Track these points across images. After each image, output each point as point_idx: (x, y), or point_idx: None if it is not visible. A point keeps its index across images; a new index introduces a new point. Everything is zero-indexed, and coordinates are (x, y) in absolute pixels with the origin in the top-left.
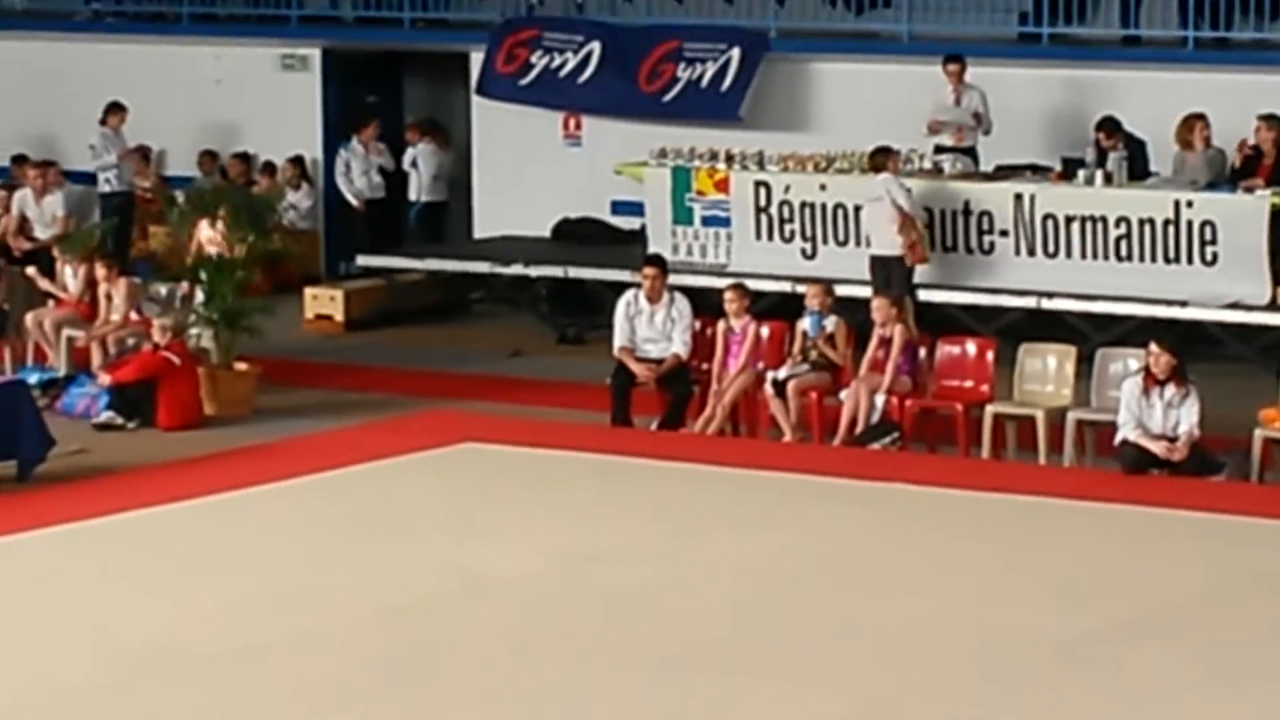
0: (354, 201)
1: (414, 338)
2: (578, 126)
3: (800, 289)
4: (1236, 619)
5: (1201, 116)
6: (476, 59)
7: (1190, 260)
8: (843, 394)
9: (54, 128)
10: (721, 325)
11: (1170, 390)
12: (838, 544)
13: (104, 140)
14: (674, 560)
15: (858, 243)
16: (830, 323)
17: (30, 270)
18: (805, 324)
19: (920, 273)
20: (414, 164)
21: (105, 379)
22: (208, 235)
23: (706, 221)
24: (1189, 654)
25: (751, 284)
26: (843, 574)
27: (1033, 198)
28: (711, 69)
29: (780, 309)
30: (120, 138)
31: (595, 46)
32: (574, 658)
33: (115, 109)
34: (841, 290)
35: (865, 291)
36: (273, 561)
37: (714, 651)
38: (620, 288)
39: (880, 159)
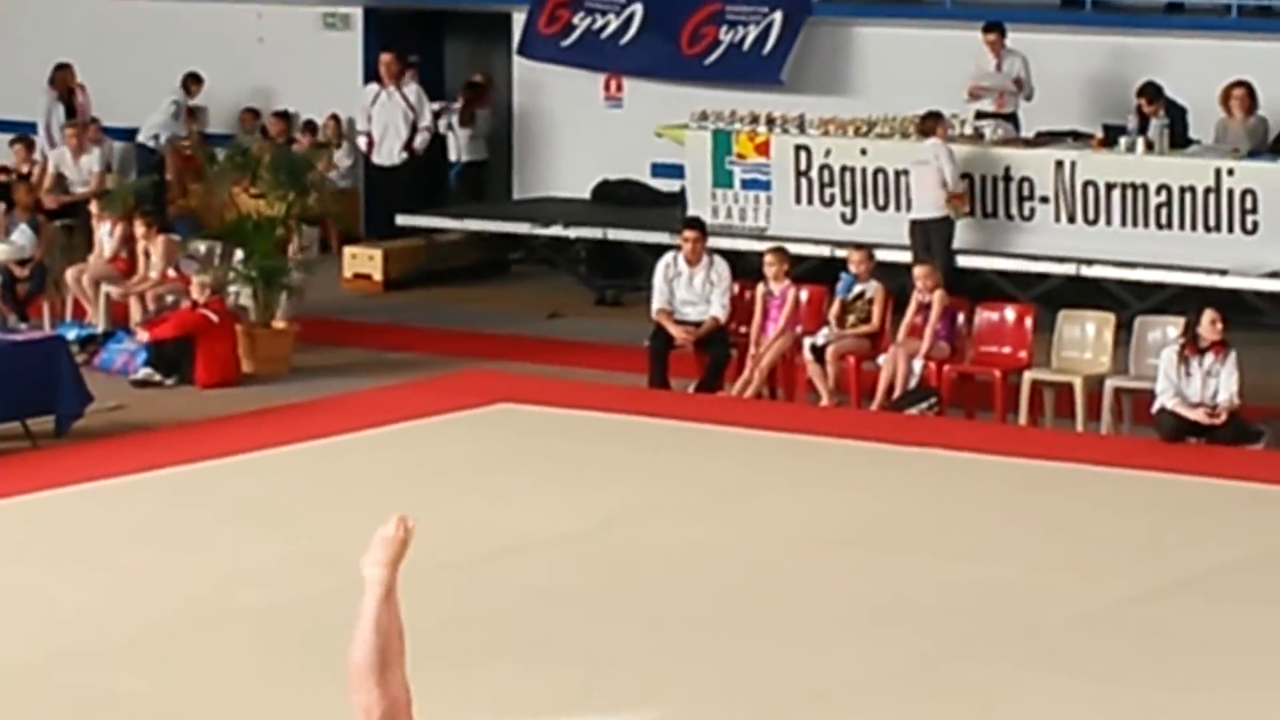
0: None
1: (452, 297)
2: (619, 88)
3: (840, 253)
4: (1273, 586)
5: (1244, 84)
6: (519, 19)
7: (1231, 229)
8: (881, 359)
9: (94, 83)
10: (760, 289)
11: (1209, 358)
12: (873, 508)
13: (179, 109)
14: (710, 523)
15: (898, 207)
16: (870, 288)
17: None
18: (838, 286)
19: (960, 238)
20: (450, 126)
21: (143, 335)
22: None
23: (746, 185)
24: (1224, 620)
25: (791, 248)
26: (878, 538)
27: (1073, 164)
28: (754, 32)
29: (819, 273)
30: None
31: (637, 8)
32: (610, 618)
33: (197, 79)
34: (881, 255)
35: (905, 256)
36: (308, 520)
37: (750, 613)
38: (659, 250)
39: (930, 124)
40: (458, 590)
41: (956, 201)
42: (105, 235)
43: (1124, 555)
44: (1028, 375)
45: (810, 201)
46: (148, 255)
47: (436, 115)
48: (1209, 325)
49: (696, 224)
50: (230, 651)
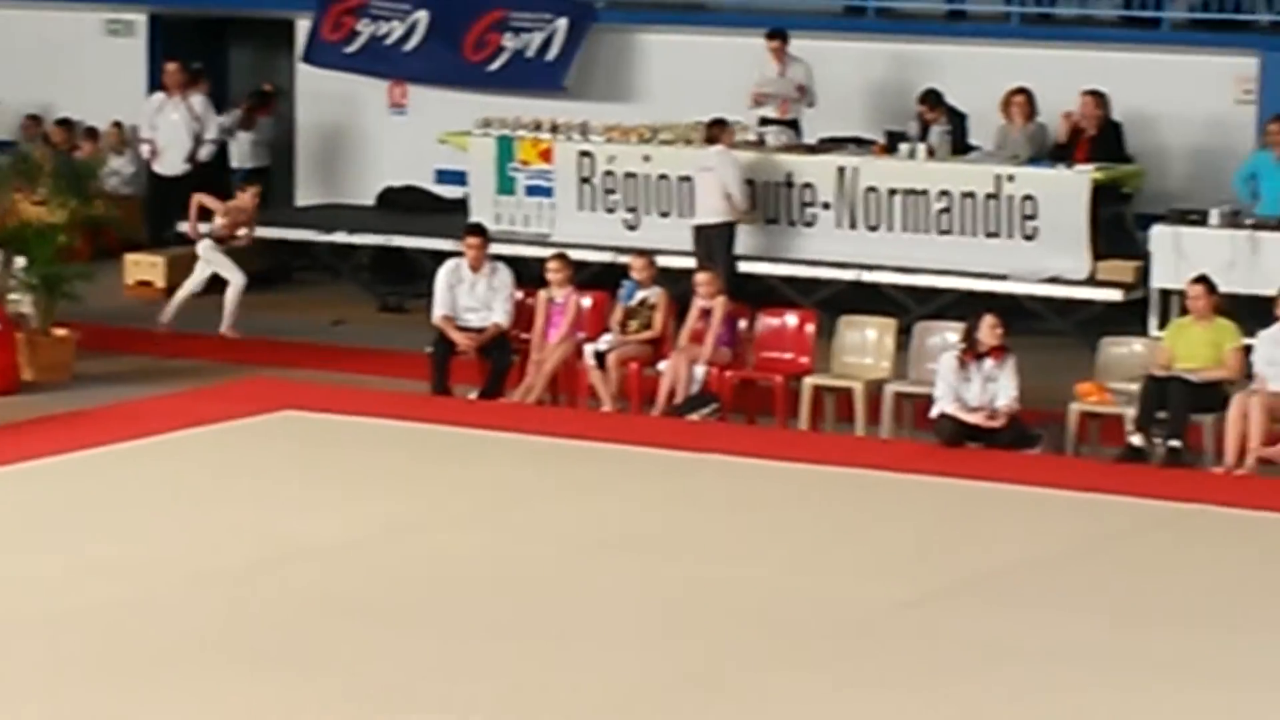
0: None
1: None
2: (403, 95)
3: (623, 259)
4: (1050, 589)
5: (1024, 91)
6: (303, 26)
7: (1010, 235)
8: (662, 365)
9: None
10: (543, 295)
11: (989, 363)
12: (657, 514)
13: None
14: (494, 529)
15: (680, 214)
16: (652, 294)
17: None
18: (621, 293)
19: (742, 244)
20: (231, 133)
21: None
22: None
23: (530, 191)
24: (1003, 624)
25: (574, 254)
26: (661, 544)
27: (855, 170)
28: (538, 39)
29: (602, 279)
30: None
31: (422, 15)
32: (395, 624)
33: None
34: (664, 261)
35: (688, 262)
36: (92, 528)
37: (534, 620)
38: (443, 257)
39: (715, 131)
40: (237, 597)
41: (745, 216)
42: None
43: (904, 559)
44: (809, 381)
45: (594, 208)
46: None
47: (226, 130)
48: (988, 330)
49: (479, 230)
50: (14, 660)
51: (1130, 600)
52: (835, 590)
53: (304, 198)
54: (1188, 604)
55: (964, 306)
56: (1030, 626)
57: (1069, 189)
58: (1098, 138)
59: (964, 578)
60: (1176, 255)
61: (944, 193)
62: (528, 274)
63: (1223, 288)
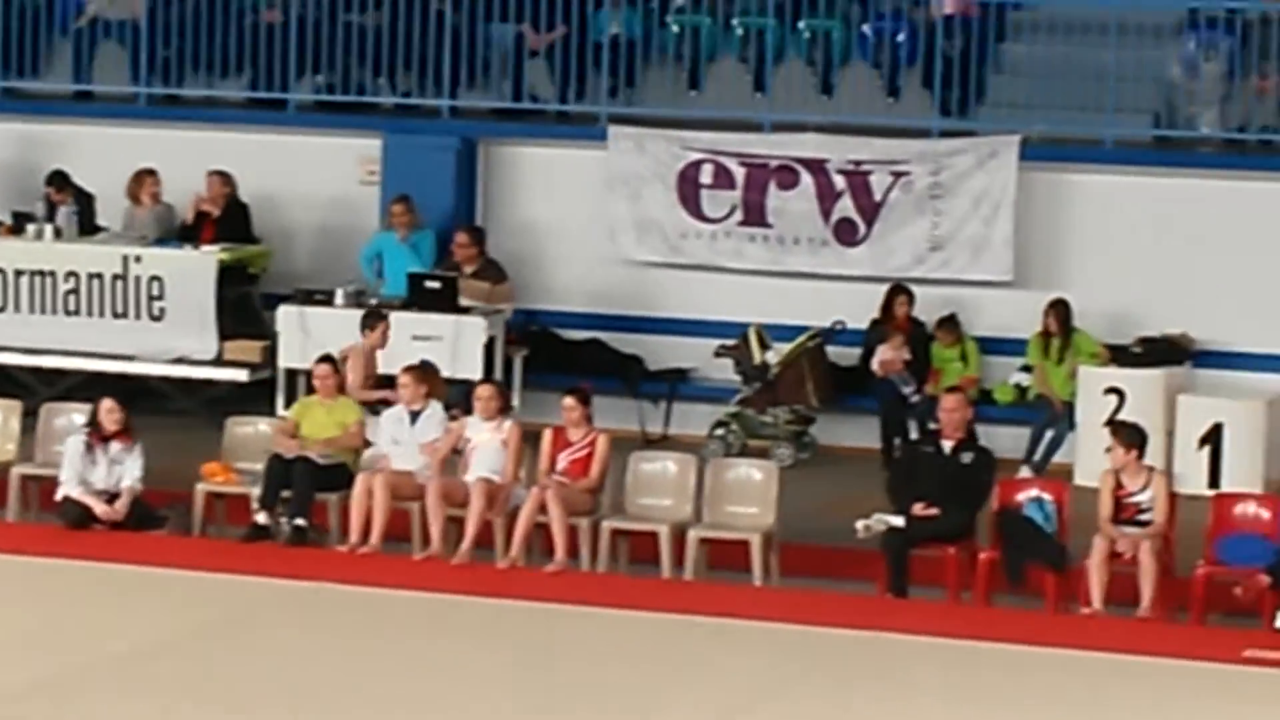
0: None
1: None
2: None
3: None
4: (174, 673)
5: (152, 172)
6: None
7: (139, 315)
8: None
9: None
10: None
11: (115, 446)
12: None
13: None
14: None
15: None
16: None
17: None
18: None
19: None
20: None
21: None
22: None
23: None
24: (127, 713)
25: None
26: None
27: None
28: None
29: None
30: None
31: None
32: None
33: None
34: None
35: None
36: None
37: None
38: None
39: None
40: None
41: None
42: None
43: (26, 644)
44: None
45: None
46: None
47: None
48: (107, 415)
49: None
50: None
51: (250, 683)
52: None
53: None
54: (310, 684)
55: (92, 388)
56: (151, 715)
57: (196, 269)
58: (224, 218)
59: (90, 662)
60: (303, 335)
61: (72, 273)
62: None
63: None
